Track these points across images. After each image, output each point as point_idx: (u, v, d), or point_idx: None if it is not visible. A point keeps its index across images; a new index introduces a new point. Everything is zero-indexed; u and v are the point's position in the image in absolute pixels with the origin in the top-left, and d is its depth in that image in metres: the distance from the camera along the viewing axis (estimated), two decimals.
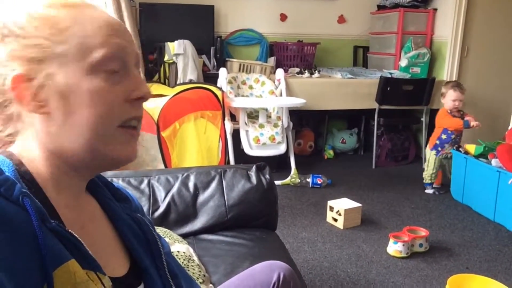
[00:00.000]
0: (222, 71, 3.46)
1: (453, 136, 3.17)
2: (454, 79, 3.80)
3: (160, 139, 2.69)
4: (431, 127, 3.52)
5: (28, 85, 0.56)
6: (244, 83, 3.60)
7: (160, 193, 1.52)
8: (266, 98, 3.52)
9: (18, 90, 0.56)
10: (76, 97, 0.56)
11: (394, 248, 2.27)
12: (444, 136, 3.20)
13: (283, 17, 4.29)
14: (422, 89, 3.69)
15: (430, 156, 3.25)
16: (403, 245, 2.25)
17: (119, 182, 1.50)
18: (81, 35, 0.57)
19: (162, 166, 2.68)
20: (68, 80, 0.56)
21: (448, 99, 3.13)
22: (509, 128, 3.05)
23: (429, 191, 3.27)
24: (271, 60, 4.01)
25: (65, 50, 0.56)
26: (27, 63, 0.56)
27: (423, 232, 2.38)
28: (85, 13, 0.58)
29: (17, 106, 0.57)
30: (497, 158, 2.72)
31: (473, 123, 3.04)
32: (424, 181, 3.29)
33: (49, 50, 0.56)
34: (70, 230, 0.54)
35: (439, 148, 3.22)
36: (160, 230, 1.37)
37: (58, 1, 0.58)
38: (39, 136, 0.58)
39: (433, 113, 3.57)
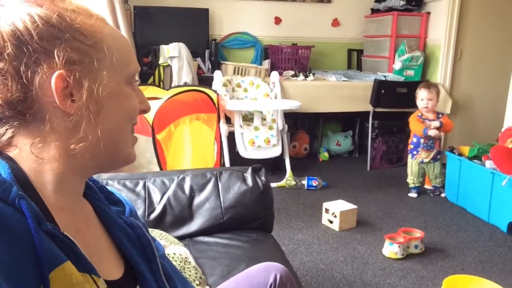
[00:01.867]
0: (217, 74, 3.47)
1: (422, 141, 3.13)
2: (447, 82, 3.84)
3: (155, 142, 2.68)
4: None
5: (69, 85, 0.56)
6: (239, 85, 3.60)
7: (155, 195, 1.52)
8: (261, 101, 3.53)
9: (57, 90, 0.55)
10: (112, 102, 0.61)
11: (390, 249, 2.28)
12: (414, 140, 3.18)
13: (278, 20, 4.30)
14: (415, 91, 3.70)
15: (408, 160, 3.27)
16: (399, 246, 2.25)
17: (114, 185, 1.50)
18: (118, 49, 0.62)
19: (157, 169, 2.67)
20: (108, 87, 0.60)
21: (418, 99, 3.16)
22: (503, 130, 3.07)
23: (412, 194, 3.22)
24: (266, 63, 4.02)
25: (109, 58, 0.60)
26: (69, 64, 0.56)
27: (418, 233, 2.39)
28: (112, 29, 0.64)
29: (44, 106, 0.56)
30: (491, 159, 2.73)
31: (430, 132, 3.03)
32: (408, 185, 3.28)
33: (92, 56, 0.58)
34: (65, 233, 0.54)
35: (414, 152, 3.19)
36: (156, 233, 1.37)
37: (96, 14, 0.62)
38: (61, 137, 0.58)
39: None
